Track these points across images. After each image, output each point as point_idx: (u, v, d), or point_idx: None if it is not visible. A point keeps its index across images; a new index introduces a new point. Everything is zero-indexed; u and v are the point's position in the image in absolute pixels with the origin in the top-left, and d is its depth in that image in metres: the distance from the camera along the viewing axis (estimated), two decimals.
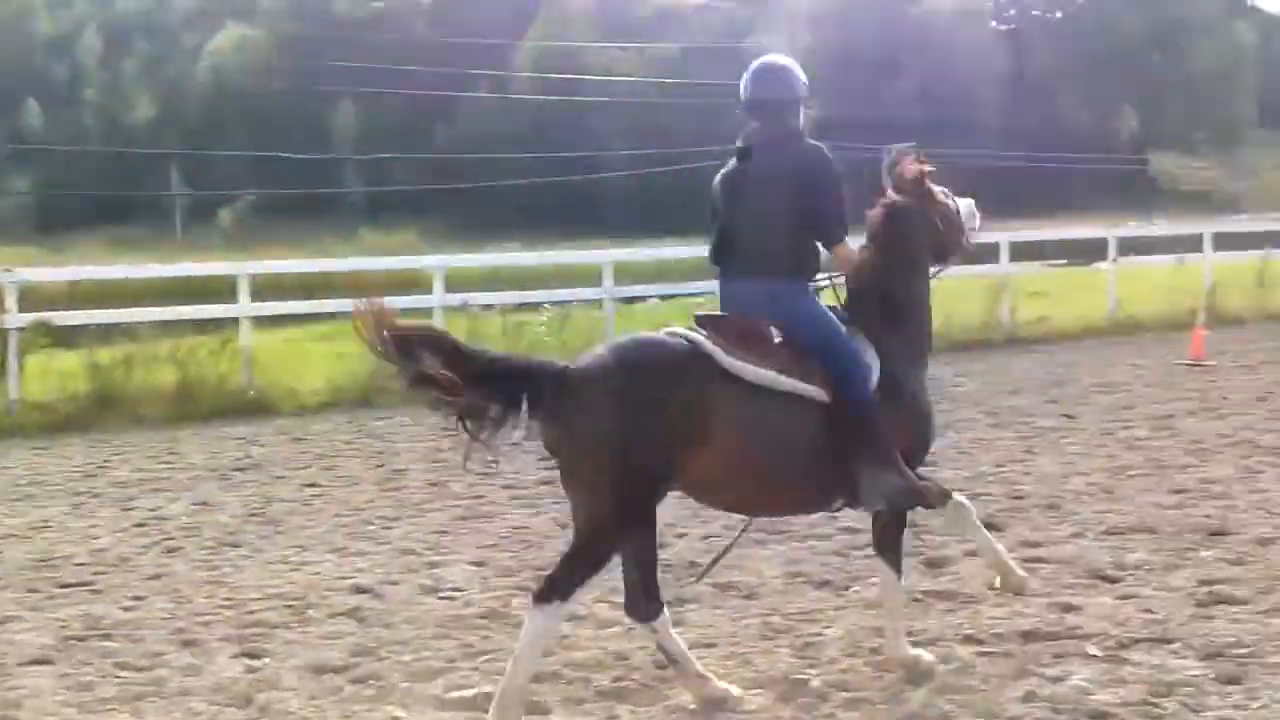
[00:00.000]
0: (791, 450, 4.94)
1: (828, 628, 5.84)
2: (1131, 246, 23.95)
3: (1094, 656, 5.37)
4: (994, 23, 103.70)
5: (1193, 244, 23.70)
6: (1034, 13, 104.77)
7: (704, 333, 4.97)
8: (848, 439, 4.96)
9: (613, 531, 4.71)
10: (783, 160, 5.29)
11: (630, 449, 4.63)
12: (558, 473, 4.90)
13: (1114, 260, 21.33)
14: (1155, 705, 4.85)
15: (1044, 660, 5.34)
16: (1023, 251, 21.69)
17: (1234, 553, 6.85)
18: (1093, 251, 23.76)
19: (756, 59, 5.56)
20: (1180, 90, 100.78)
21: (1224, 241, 24.69)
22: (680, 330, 5.02)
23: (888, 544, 5.35)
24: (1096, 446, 10.27)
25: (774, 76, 5.47)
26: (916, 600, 6.15)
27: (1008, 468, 9.47)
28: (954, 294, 21.23)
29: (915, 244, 5.48)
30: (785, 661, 5.45)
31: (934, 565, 6.84)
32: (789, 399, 4.92)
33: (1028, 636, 5.61)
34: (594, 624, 5.97)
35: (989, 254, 20.99)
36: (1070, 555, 6.92)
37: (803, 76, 5.48)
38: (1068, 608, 5.99)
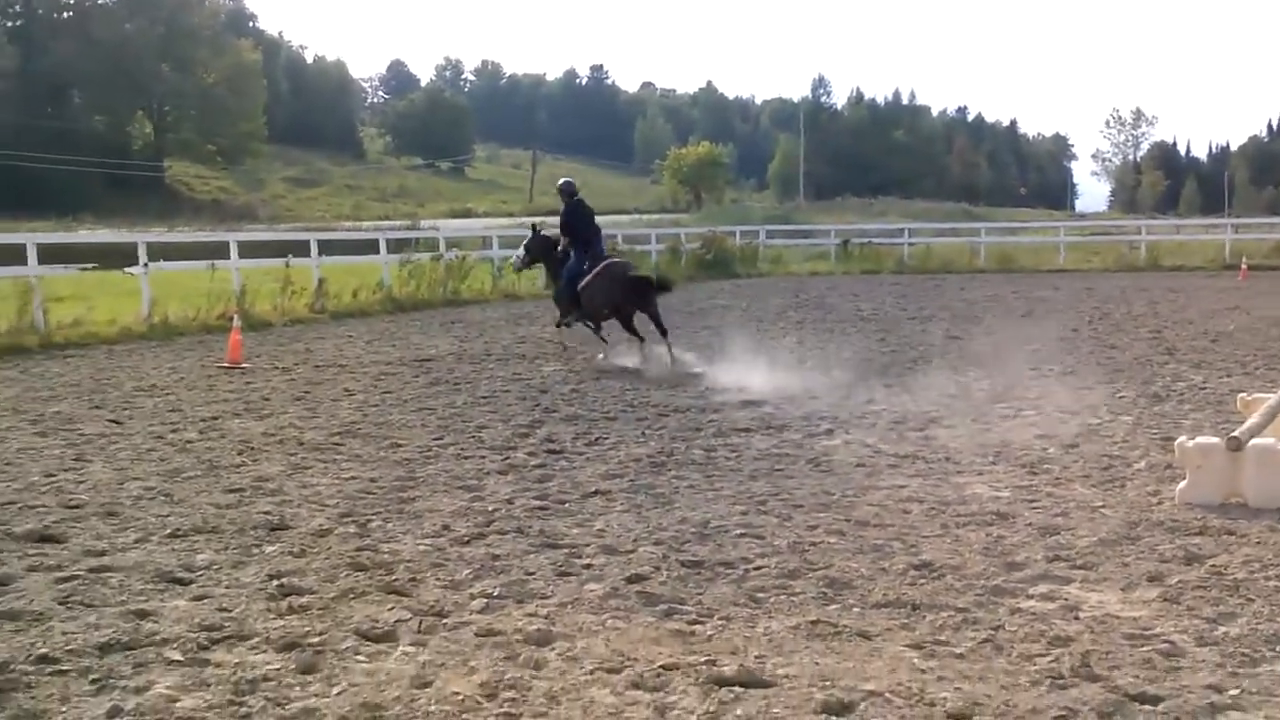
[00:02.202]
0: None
1: None
2: (161, 251, 23.99)
3: (176, 661, 5.28)
4: None
5: (220, 250, 24.31)
6: (39, 11, 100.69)
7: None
8: None
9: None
10: (581, 207, 16.82)
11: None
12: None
13: (145, 265, 21.21)
14: (241, 703, 4.87)
15: (124, 672, 5.13)
16: (51, 254, 20.79)
17: (296, 546, 7.13)
18: (122, 255, 23.43)
19: (562, 178, 17.67)
20: (193, 101, 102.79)
21: (248, 249, 25.64)
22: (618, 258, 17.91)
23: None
24: (148, 450, 10.12)
25: (569, 183, 17.24)
26: None
27: (59, 476, 8.99)
28: None
29: None
30: None
31: None
32: None
33: (105, 649, 5.36)
34: None
35: (15, 256, 19.84)
36: (138, 560, 6.74)
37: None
38: (143, 614, 5.83)
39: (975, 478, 8.90)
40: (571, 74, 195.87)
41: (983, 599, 6.07)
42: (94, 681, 5.02)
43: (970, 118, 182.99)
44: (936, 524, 7.56)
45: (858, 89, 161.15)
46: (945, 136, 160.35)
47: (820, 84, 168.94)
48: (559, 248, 17.05)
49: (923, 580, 6.40)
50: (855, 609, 5.96)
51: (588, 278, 16.08)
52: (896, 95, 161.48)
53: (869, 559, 6.78)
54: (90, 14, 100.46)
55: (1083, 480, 8.74)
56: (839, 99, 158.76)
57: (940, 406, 12.15)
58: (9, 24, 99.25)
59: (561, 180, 17.55)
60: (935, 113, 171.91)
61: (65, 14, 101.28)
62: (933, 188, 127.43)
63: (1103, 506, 7.93)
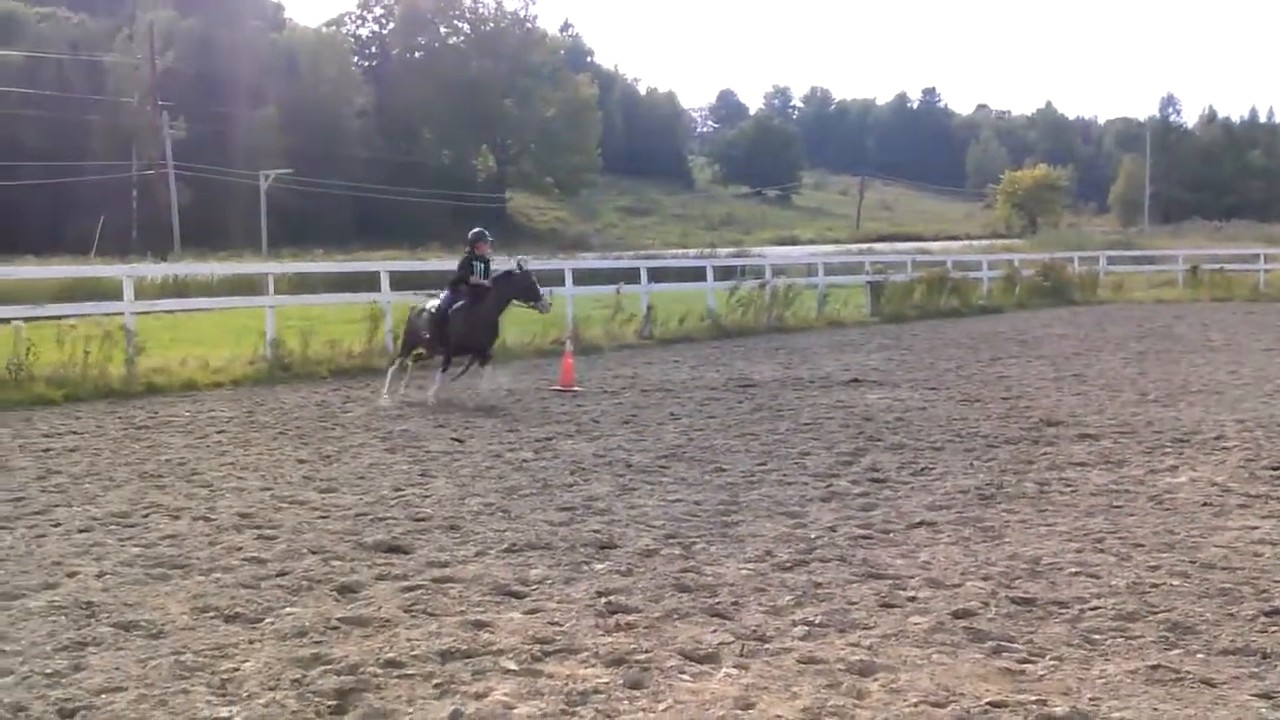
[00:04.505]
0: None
1: (244, 662, 5.57)
2: None
3: (511, 670, 5.50)
4: (356, 59, 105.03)
5: (554, 279, 25.18)
6: (394, 52, 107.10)
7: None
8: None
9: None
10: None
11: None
12: None
13: None
14: (573, 714, 5.03)
15: (464, 678, 5.39)
16: (401, 281, 22.08)
17: (624, 565, 7.31)
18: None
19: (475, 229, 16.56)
20: (533, 135, 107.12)
21: (582, 276, 26.50)
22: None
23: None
24: (487, 468, 10.62)
25: (484, 231, 16.36)
26: (334, 628, 6.03)
27: (407, 491, 9.56)
28: (335, 322, 21.28)
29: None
30: (203, 700, 5.14)
31: (347, 591, 6.74)
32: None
33: (446, 656, 5.65)
34: None
35: (370, 283, 21.19)
36: (476, 573, 7.08)
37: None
38: (480, 625, 6.11)
39: None
40: (903, 98, 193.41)
41: None
42: (437, 686, 5.30)
43: None
44: None
45: (1210, 107, 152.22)
46: None
47: (1169, 102, 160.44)
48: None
49: (1274, 628, 6.00)
50: (1199, 655, 5.65)
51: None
52: (1253, 113, 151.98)
53: (1215, 603, 6.41)
54: (440, 54, 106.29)
55: None
56: (1189, 118, 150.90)
57: None
58: (365, 64, 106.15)
59: (482, 230, 16.30)
60: None
61: (417, 54, 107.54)
62: None
63: None
